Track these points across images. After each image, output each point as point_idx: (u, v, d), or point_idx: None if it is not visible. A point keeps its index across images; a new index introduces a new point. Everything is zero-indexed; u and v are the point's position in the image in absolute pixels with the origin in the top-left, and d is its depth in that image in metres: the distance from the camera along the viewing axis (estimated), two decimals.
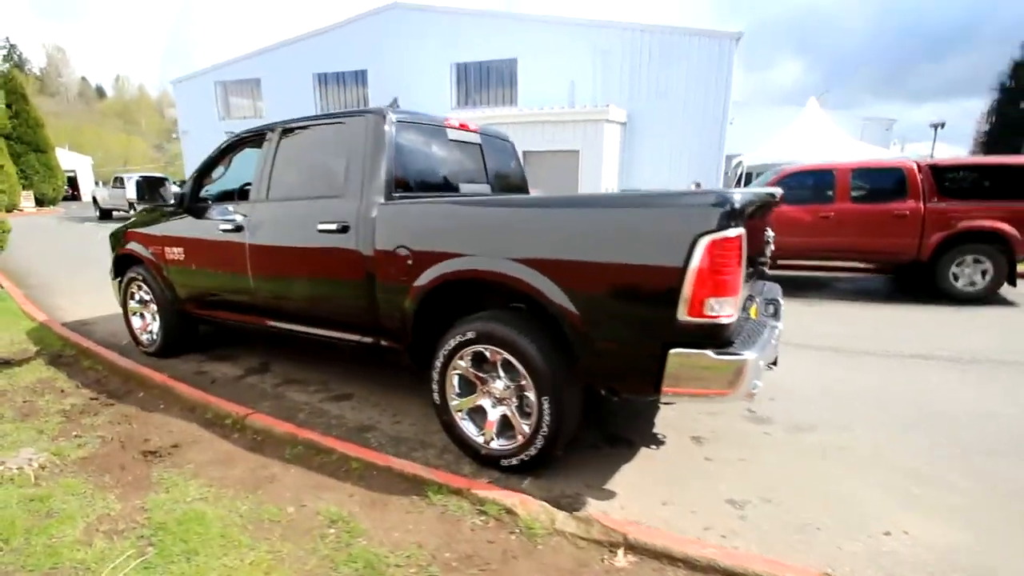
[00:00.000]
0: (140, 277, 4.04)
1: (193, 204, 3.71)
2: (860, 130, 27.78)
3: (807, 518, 2.15)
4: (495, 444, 2.47)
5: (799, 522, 2.13)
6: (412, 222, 2.59)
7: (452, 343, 2.47)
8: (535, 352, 2.25)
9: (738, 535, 2.05)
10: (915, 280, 6.95)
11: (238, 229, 3.28)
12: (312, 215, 2.93)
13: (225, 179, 3.86)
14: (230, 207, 3.45)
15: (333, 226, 2.80)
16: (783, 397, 3.32)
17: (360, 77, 20.80)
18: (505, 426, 2.48)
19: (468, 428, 2.54)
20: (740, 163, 19.39)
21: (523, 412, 2.41)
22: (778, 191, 2.83)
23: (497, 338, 2.33)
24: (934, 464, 2.55)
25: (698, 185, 15.59)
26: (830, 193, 6.41)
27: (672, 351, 1.95)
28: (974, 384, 3.61)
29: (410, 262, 2.56)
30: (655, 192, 2.20)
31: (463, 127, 3.41)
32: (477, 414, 2.56)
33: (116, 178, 19.00)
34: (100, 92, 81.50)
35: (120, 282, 4.32)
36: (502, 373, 2.43)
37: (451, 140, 3.30)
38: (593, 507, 2.20)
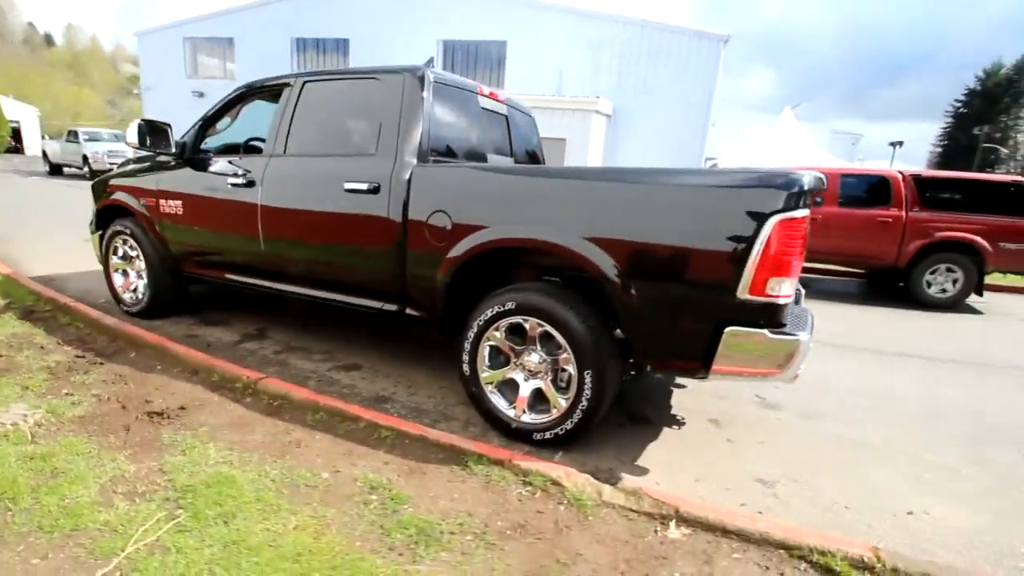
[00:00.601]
0: (127, 231, 3.77)
1: (195, 155, 3.47)
2: (828, 142, 28.93)
3: (833, 498, 2.22)
4: (527, 417, 2.42)
5: (827, 501, 2.19)
6: (454, 187, 2.50)
7: (489, 313, 2.40)
8: (579, 325, 2.22)
9: (773, 512, 2.08)
10: (888, 284, 7.28)
11: (249, 184, 3.09)
12: (338, 173, 2.78)
13: (230, 131, 3.64)
14: (238, 160, 3.25)
15: (363, 186, 2.67)
16: (785, 386, 3.41)
17: (341, 46, 20.04)
18: (537, 399, 2.44)
19: (498, 401, 2.49)
20: (715, 165, 19.80)
21: (558, 386, 2.38)
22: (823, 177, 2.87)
23: (540, 310, 2.28)
24: (940, 453, 2.67)
25: None
26: (819, 198, 6.61)
27: (728, 329, 1.95)
28: (957, 383, 3.80)
29: (448, 228, 2.47)
30: (724, 170, 2.18)
31: (492, 96, 3.31)
32: (507, 387, 2.51)
33: (70, 132, 17.77)
34: (48, 40, 75.81)
35: (102, 236, 4.02)
36: (538, 346, 2.39)
37: (482, 108, 3.20)
38: (629, 482, 2.19)
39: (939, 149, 59.94)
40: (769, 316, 1.94)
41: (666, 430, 2.73)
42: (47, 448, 2.08)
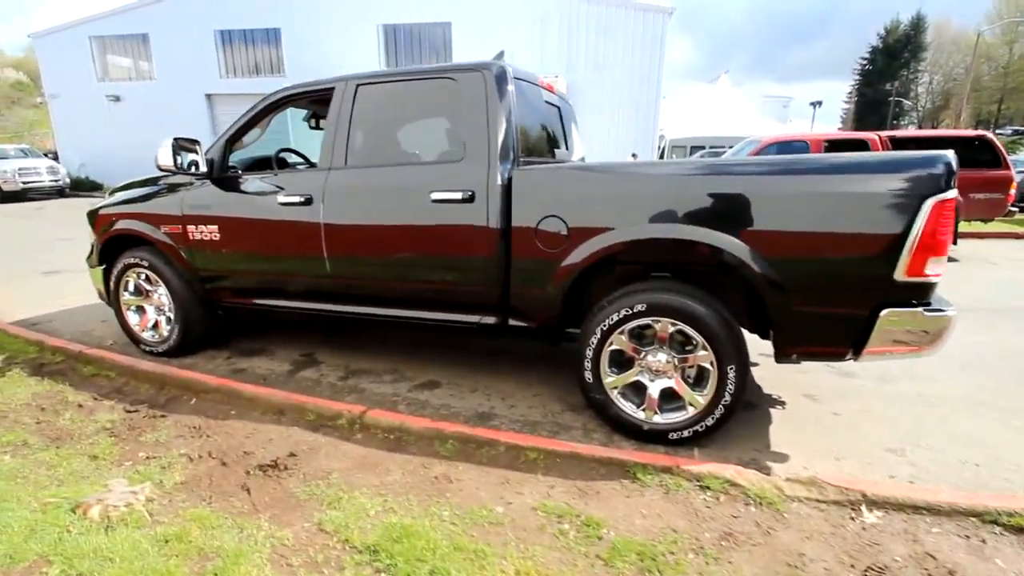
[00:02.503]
0: (144, 263, 3.37)
1: (224, 174, 3.13)
2: (761, 106, 30.31)
3: (959, 456, 2.33)
4: (659, 418, 2.39)
5: (955, 461, 2.31)
6: (568, 189, 2.37)
7: (615, 317, 2.33)
8: (716, 321, 2.19)
9: (919, 479, 2.17)
10: None
11: (306, 202, 2.82)
12: (420, 183, 2.59)
13: (256, 144, 3.31)
14: (285, 175, 2.96)
15: (455, 195, 2.49)
16: None
17: (272, 36, 18.71)
18: (667, 399, 2.40)
19: (627, 405, 2.43)
20: (663, 137, 20.17)
21: (690, 382, 2.35)
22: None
23: (675, 309, 2.23)
24: (1010, 398, 2.87)
25: (635, 156, 16.12)
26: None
27: (885, 312, 1.98)
28: (977, 329, 4.08)
29: (563, 233, 2.35)
30: (873, 156, 2.18)
31: (549, 88, 3.18)
32: (632, 389, 2.46)
33: None
34: None
35: (107, 271, 3.59)
36: (666, 345, 2.35)
37: (545, 101, 3.06)
38: (780, 469, 2.22)
39: (849, 106, 64.42)
40: (922, 295, 1.99)
41: (772, 411, 2.78)
42: (175, 527, 1.84)
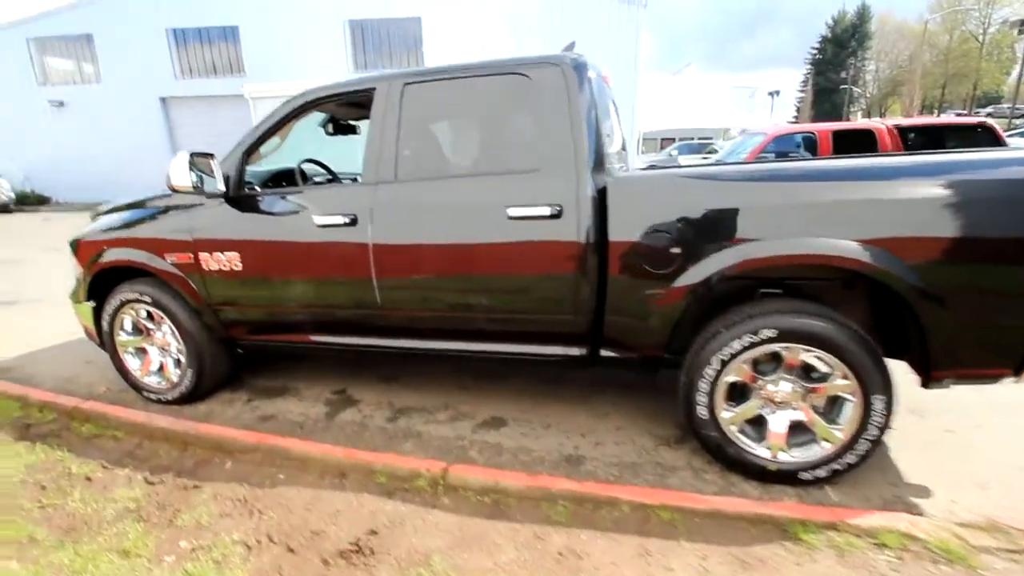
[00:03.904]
0: (146, 298, 2.89)
1: (241, 192, 2.69)
2: (728, 96, 30.78)
3: None
4: (786, 456, 2.11)
5: None
6: (678, 199, 2.05)
7: (736, 344, 2.03)
8: (859, 347, 1.92)
9: None
10: None
11: (352, 223, 2.42)
12: (492, 198, 2.23)
13: (275, 156, 2.87)
14: (321, 191, 2.55)
15: (540, 211, 2.14)
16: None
17: (230, 34, 17.67)
18: (792, 433, 2.13)
19: (748, 442, 2.15)
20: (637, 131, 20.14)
21: (822, 414, 2.08)
22: None
23: (813, 336, 1.94)
24: None
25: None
26: (812, 152, 6.81)
27: None
28: None
29: (676, 251, 2.04)
30: None
31: (607, 81, 2.85)
32: (753, 424, 2.17)
33: None
34: None
35: (97, 308, 3.08)
36: (793, 373, 2.07)
37: (609, 98, 2.74)
38: (930, 507, 1.98)
39: (802, 94, 66.59)
40: None
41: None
42: None
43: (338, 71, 16.68)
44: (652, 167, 2.99)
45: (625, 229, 2.09)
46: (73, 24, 17.71)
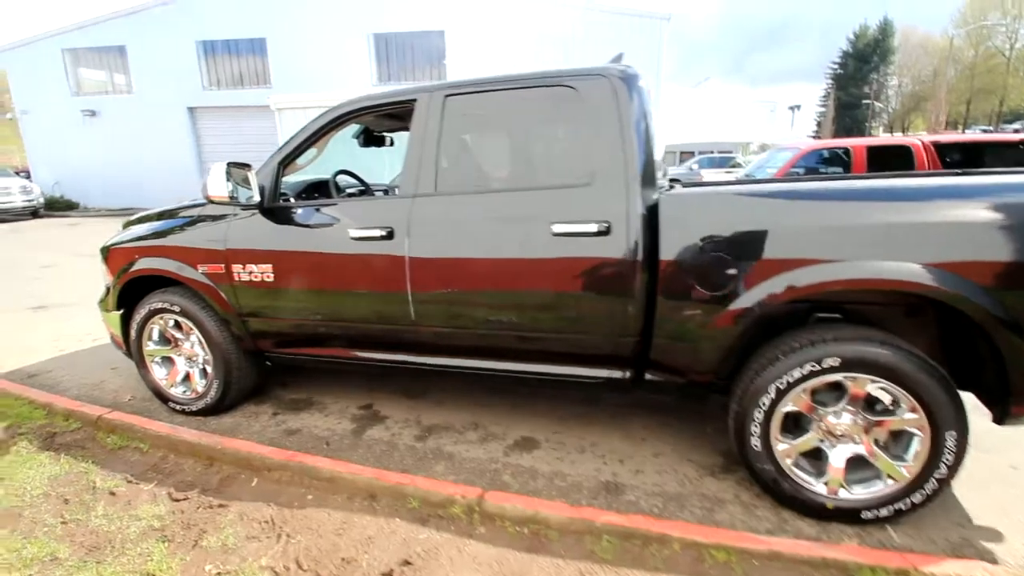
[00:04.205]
0: (175, 308, 2.85)
1: (276, 203, 2.64)
2: (749, 110, 30.60)
3: None
4: (847, 493, 1.97)
5: None
6: (736, 217, 1.94)
7: (796, 373, 1.90)
8: (930, 379, 1.79)
9: None
10: None
11: (388, 236, 2.35)
12: (536, 213, 2.15)
13: (309, 167, 2.83)
14: (355, 204, 2.49)
15: (588, 227, 2.05)
16: None
17: (258, 46, 18.05)
18: (855, 468, 1.99)
19: (805, 477, 2.01)
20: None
21: (884, 448, 1.94)
22: None
23: (880, 366, 1.81)
24: None
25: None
26: (846, 169, 6.64)
27: None
28: None
29: (732, 271, 1.93)
30: None
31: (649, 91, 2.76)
32: (809, 458, 2.04)
33: None
34: None
35: (126, 317, 3.05)
36: (854, 405, 1.94)
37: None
38: (1004, 553, 1.82)
39: (822, 108, 65.95)
40: None
41: None
42: None
43: (362, 83, 16.91)
44: (675, 181, 2.89)
45: (678, 248, 1.99)
46: (107, 35, 18.23)
